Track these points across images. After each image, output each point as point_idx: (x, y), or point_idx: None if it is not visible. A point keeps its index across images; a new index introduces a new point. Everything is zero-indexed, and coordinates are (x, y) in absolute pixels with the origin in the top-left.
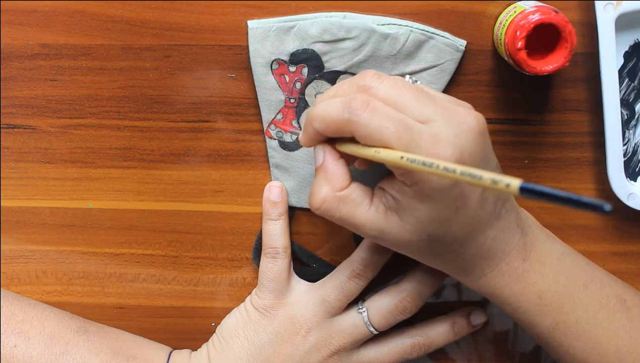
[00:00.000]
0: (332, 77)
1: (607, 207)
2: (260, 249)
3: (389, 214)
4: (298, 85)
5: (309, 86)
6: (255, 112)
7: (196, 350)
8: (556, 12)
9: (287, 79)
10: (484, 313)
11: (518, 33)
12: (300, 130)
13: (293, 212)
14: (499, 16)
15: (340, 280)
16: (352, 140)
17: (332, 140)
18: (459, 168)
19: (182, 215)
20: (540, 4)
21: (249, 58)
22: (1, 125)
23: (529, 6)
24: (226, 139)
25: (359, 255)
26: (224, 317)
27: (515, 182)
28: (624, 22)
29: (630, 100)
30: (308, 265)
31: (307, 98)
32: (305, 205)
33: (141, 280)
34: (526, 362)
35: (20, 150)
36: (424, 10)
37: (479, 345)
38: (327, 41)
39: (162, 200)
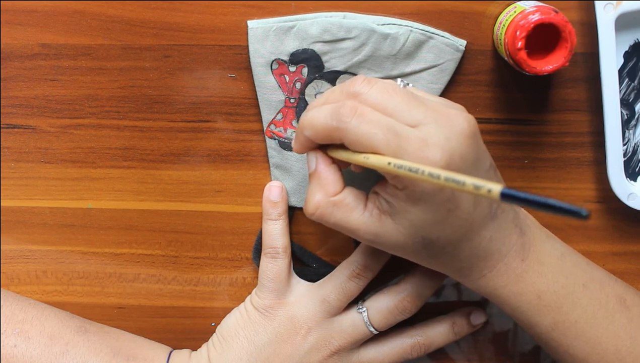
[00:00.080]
0: (332, 77)
1: (584, 212)
2: (260, 249)
3: (383, 218)
4: (298, 85)
5: (309, 86)
6: (255, 112)
7: (196, 350)
8: (556, 12)
9: (287, 79)
10: (484, 313)
11: (518, 33)
12: None
13: (293, 212)
14: (499, 16)
15: (340, 280)
16: (344, 146)
17: (325, 146)
18: (443, 174)
19: (182, 215)
20: (540, 3)
21: (249, 58)
22: (1, 125)
23: (528, 6)
24: (226, 139)
25: (359, 255)
26: (224, 317)
27: (496, 188)
28: (624, 22)
29: (630, 100)
30: (308, 265)
31: (307, 98)
32: None
33: (141, 280)
34: (526, 362)
35: (20, 150)
36: (424, 10)
37: (479, 345)
38: (327, 41)
39: (162, 200)
